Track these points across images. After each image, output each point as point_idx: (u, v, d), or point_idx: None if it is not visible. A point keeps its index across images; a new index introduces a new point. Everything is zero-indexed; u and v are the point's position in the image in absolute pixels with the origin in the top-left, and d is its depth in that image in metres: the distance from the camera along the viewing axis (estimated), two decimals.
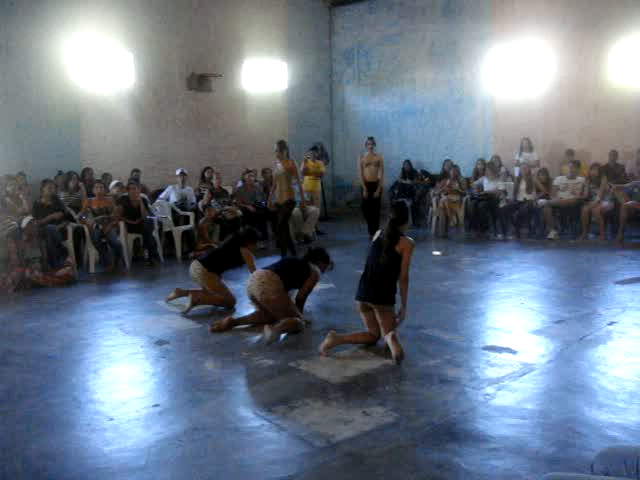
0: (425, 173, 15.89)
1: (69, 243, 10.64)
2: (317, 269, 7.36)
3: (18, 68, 13.12)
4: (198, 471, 3.93)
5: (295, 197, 11.46)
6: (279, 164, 11.16)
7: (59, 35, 13.46)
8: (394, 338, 5.86)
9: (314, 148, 16.17)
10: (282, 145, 11.16)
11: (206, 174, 13.84)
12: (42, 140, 13.44)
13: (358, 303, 6.26)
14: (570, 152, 13.46)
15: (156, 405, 4.95)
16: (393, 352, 5.75)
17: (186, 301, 7.79)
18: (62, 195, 12.18)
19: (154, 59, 15.00)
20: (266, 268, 7.13)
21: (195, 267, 8.02)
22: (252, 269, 7.69)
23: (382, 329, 6.07)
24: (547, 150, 14.39)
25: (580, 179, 12.52)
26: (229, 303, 7.95)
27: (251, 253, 8.09)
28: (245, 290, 7.15)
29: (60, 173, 12.95)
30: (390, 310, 6.09)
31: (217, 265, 8.05)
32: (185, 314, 7.67)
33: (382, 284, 6.10)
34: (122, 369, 5.94)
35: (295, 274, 7.19)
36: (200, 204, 12.58)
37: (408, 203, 6.60)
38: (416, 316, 7.16)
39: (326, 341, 6.06)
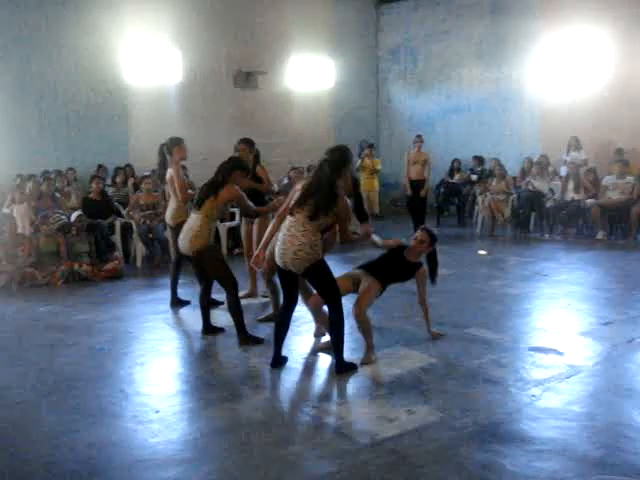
0: (472, 171, 15.74)
1: (117, 238, 10.79)
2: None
3: (68, 65, 13.37)
4: (243, 465, 3.96)
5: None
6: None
7: (108, 32, 13.68)
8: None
9: (371, 145, 16.08)
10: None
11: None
12: (91, 136, 13.69)
13: None
14: (619, 151, 13.17)
15: (201, 399, 5.01)
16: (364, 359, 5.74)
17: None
18: (110, 190, 12.38)
19: (201, 56, 15.14)
20: None
21: None
22: None
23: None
24: (596, 149, 14.13)
25: (630, 179, 12.26)
26: None
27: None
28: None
29: (100, 166, 13.17)
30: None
31: None
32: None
33: None
34: (168, 363, 6.01)
35: None
36: None
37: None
38: (461, 316, 7.14)
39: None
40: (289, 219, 5.38)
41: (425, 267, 6.26)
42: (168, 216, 8.05)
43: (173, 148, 7.76)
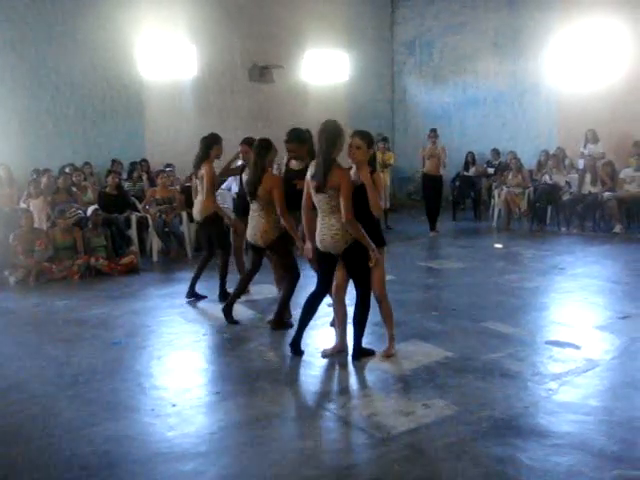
0: (489, 164, 15.66)
1: (133, 232, 10.82)
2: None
3: (84, 60, 13.42)
4: (259, 458, 3.97)
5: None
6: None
7: (124, 27, 13.72)
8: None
9: (384, 139, 16.02)
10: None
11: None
12: (107, 131, 13.75)
13: None
14: (637, 144, 13.06)
15: (218, 393, 5.02)
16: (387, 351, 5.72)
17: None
18: (126, 185, 12.43)
19: (217, 51, 15.16)
20: None
21: None
22: None
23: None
24: (614, 142, 14.02)
25: None
26: None
27: None
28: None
29: (114, 162, 13.20)
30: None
31: None
32: None
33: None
34: (185, 356, 6.02)
35: None
36: None
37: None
38: (478, 309, 7.12)
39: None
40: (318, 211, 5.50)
41: (380, 174, 5.81)
42: (196, 211, 8.01)
43: (212, 145, 7.82)
